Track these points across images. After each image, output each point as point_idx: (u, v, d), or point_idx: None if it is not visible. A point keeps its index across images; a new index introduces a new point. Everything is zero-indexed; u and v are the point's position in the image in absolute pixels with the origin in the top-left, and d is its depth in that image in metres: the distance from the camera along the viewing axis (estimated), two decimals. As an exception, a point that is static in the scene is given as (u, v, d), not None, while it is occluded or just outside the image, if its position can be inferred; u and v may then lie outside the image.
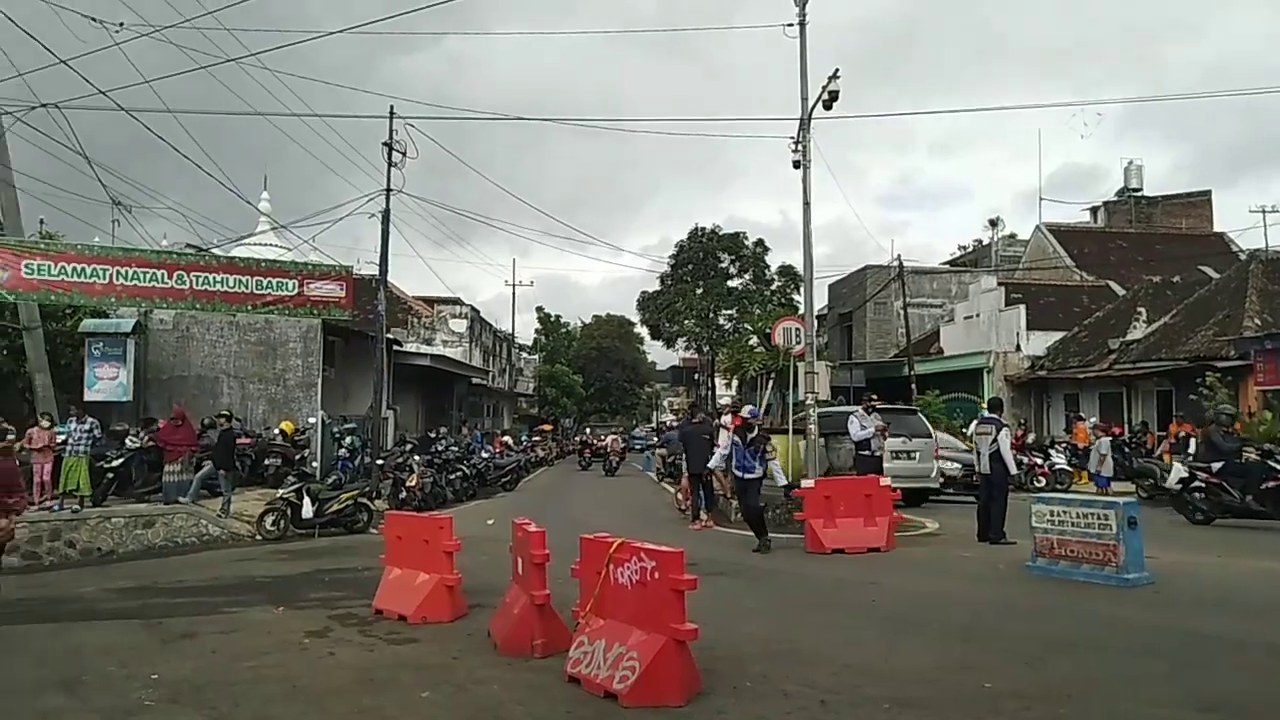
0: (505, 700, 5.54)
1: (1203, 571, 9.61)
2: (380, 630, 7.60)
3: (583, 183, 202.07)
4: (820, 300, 36.71)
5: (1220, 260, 33.91)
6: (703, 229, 46.75)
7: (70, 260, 16.95)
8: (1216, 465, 13.49)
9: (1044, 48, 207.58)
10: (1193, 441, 17.45)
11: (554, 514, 15.67)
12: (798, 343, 16.95)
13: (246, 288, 18.05)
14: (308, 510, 14.60)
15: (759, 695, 5.43)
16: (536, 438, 40.25)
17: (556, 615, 6.62)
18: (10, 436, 10.86)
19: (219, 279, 17.91)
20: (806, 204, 15.76)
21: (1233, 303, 24.13)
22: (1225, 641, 6.52)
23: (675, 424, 39.26)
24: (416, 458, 19.65)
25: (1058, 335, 29.90)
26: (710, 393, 49.46)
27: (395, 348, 27.74)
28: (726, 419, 14.97)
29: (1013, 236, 50.25)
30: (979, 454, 11.82)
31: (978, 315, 32.44)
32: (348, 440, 20.45)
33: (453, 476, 20.50)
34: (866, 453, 14.19)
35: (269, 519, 14.62)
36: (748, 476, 11.75)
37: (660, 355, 68.46)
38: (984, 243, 51.93)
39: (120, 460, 16.05)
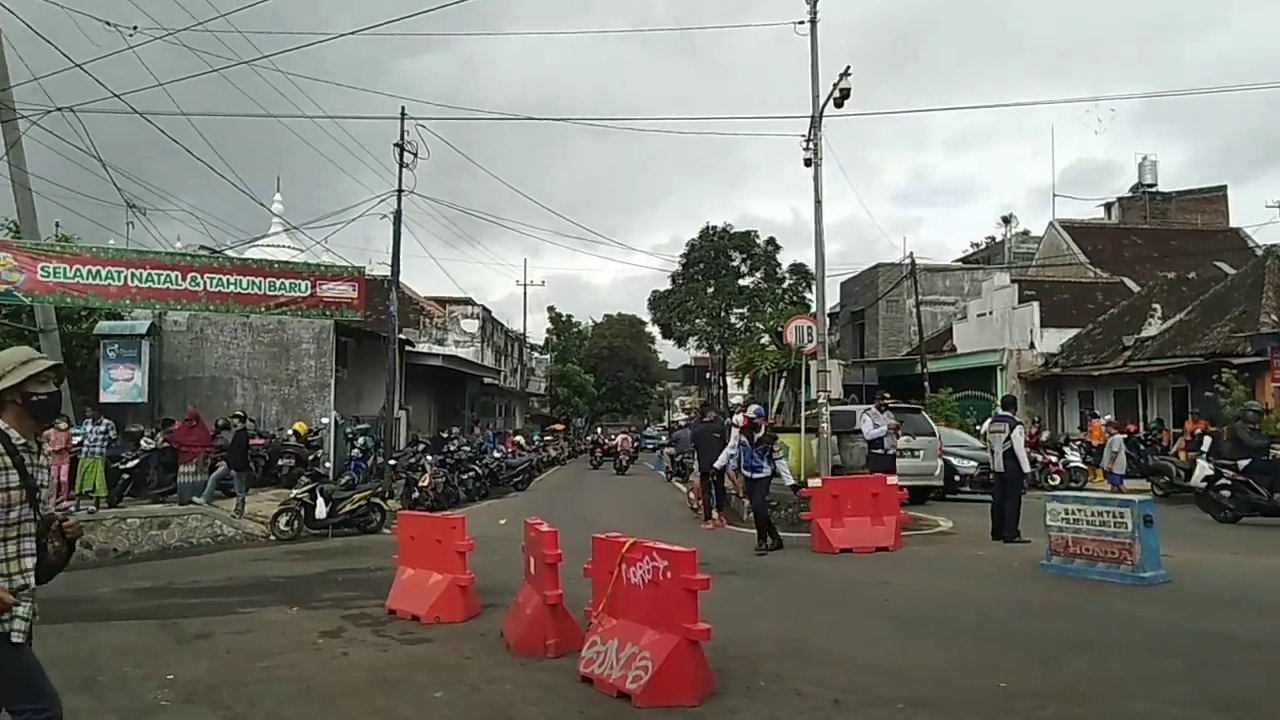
0: (518, 700, 5.54)
1: (1220, 570, 9.52)
2: (394, 630, 7.61)
3: (594, 182, 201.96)
4: (832, 298, 36.57)
5: (1236, 256, 33.54)
6: (714, 227, 46.73)
7: (85, 263, 17.09)
8: (1243, 462, 13.24)
9: (1058, 43, 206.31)
10: (1207, 439, 17.31)
11: (566, 513, 15.67)
12: (810, 341, 16.93)
13: (260, 289, 18.14)
14: (321, 511, 14.65)
15: (772, 695, 5.42)
16: (548, 437, 40.30)
17: (569, 615, 6.61)
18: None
19: (232, 280, 18.02)
20: (818, 202, 15.74)
21: (1249, 299, 23.86)
22: (1241, 640, 6.48)
23: (685, 423, 39.33)
24: (429, 458, 19.68)
25: (1072, 332, 29.65)
26: (722, 391, 49.41)
27: (407, 348, 27.83)
28: (738, 418, 14.98)
29: (1026, 233, 49.92)
30: (993, 452, 11.78)
31: (991, 312, 32.25)
32: (360, 441, 20.57)
33: (465, 476, 20.52)
34: (879, 451, 14.15)
35: (283, 519, 14.68)
36: (755, 476, 11.79)
37: (672, 354, 68.47)
38: (997, 239, 51.70)
39: (135, 461, 16.21)
